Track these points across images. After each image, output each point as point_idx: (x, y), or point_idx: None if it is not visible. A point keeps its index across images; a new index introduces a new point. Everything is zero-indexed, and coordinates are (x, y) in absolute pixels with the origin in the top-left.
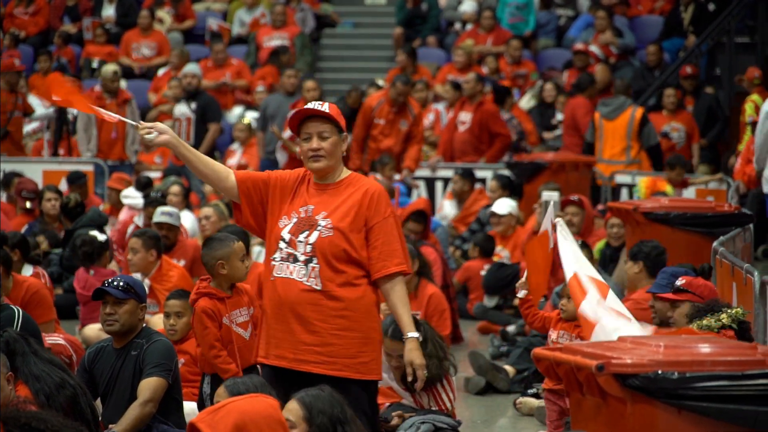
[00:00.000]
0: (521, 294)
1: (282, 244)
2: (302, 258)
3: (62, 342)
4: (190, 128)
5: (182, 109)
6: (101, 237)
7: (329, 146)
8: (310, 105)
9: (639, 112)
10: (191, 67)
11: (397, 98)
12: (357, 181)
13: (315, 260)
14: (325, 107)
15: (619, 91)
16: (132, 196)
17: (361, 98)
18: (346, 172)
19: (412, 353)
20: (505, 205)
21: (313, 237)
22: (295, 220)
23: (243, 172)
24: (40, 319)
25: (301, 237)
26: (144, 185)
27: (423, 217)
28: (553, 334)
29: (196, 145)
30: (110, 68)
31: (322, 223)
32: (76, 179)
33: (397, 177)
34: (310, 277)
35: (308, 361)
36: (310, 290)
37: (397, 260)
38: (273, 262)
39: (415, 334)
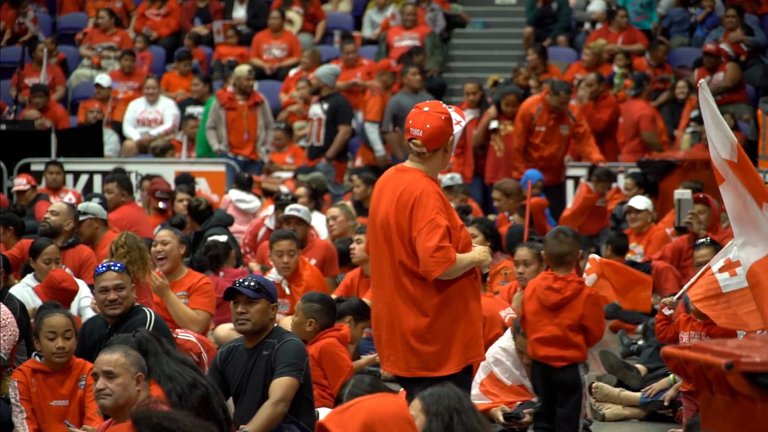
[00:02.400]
0: (666, 312)
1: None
2: None
3: (193, 339)
4: (320, 129)
5: (315, 109)
6: (222, 238)
7: None
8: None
9: None
10: (319, 70)
11: (560, 107)
12: None
13: None
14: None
15: None
16: (245, 200)
17: (526, 78)
18: None
19: None
20: (642, 201)
21: None
22: None
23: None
24: (202, 306)
25: None
26: (246, 183)
27: None
28: (684, 336)
29: (326, 146)
30: (245, 68)
31: None
32: (182, 182)
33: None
34: None
35: None
36: None
37: None
38: None
39: None
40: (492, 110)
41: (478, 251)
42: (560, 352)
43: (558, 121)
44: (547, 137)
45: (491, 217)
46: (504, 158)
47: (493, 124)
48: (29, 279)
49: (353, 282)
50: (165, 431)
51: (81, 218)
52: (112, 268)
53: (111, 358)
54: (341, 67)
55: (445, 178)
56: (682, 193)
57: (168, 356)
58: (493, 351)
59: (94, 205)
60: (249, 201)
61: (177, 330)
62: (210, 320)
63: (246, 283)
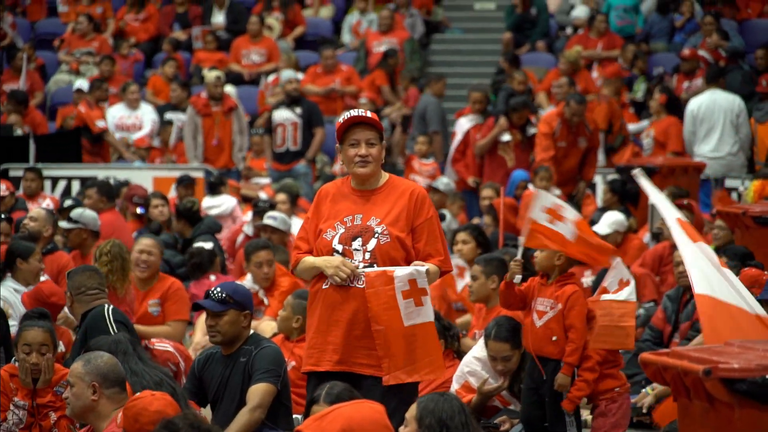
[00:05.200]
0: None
1: (336, 256)
2: (361, 266)
3: (170, 349)
4: (297, 133)
5: (285, 114)
6: (208, 245)
7: (376, 153)
8: (355, 112)
9: None
10: (290, 73)
11: (572, 118)
12: (399, 184)
13: (375, 266)
14: (369, 114)
15: None
16: (214, 206)
17: (521, 83)
18: (385, 177)
19: None
20: (606, 224)
21: (371, 244)
22: (342, 230)
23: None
24: (175, 316)
25: (356, 245)
26: (214, 187)
27: None
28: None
29: (303, 150)
30: (212, 74)
31: (378, 229)
32: (183, 180)
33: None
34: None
35: (367, 365)
36: None
37: (439, 258)
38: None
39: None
40: (503, 121)
41: (326, 259)
42: None
43: (576, 134)
44: (566, 151)
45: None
46: (515, 168)
47: (506, 137)
48: (13, 282)
49: None
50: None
51: (71, 226)
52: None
53: (72, 366)
54: (319, 73)
55: (440, 183)
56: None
57: (138, 357)
58: (467, 360)
59: (88, 215)
60: (218, 205)
61: (153, 340)
62: (186, 325)
63: (212, 296)
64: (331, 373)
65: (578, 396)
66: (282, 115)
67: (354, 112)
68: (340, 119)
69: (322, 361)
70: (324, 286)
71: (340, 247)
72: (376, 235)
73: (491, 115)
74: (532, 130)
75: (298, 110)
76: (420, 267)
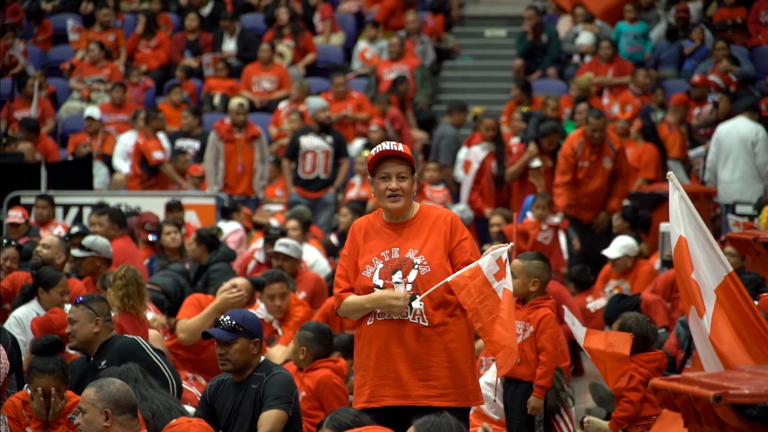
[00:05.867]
0: None
1: (377, 291)
2: (418, 298)
3: (193, 391)
4: (328, 161)
5: (316, 142)
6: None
7: (407, 186)
8: (386, 145)
9: None
10: (319, 101)
11: (593, 134)
12: (431, 212)
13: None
14: (400, 148)
15: None
16: (226, 231)
17: (555, 109)
18: (416, 207)
19: None
20: (616, 248)
21: (412, 275)
22: (380, 265)
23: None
24: None
25: (396, 278)
26: (229, 212)
27: None
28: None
29: (332, 179)
30: (236, 101)
31: (417, 260)
32: (170, 205)
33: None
34: (414, 314)
35: (424, 396)
36: (417, 327)
37: None
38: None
39: None
40: (533, 147)
41: (373, 300)
42: None
43: (600, 154)
44: (590, 172)
45: None
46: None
47: (536, 163)
48: (36, 306)
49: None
50: None
51: (84, 254)
52: (76, 301)
53: (85, 393)
54: (331, 100)
55: (456, 210)
56: (666, 227)
57: (150, 385)
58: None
59: (100, 243)
60: (226, 229)
61: (185, 373)
62: None
63: (221, 324)
64: (389, 409)
65: (622, 417)
66: (312, 142)
67: (386, 146)
68: (372, 152)
69: (377, 397)
70: (368, 323)
71: (380, 282)
72: (416, 266)
73: (522, 141)
74: None
75: (329, 139)
76: (502, 246)
